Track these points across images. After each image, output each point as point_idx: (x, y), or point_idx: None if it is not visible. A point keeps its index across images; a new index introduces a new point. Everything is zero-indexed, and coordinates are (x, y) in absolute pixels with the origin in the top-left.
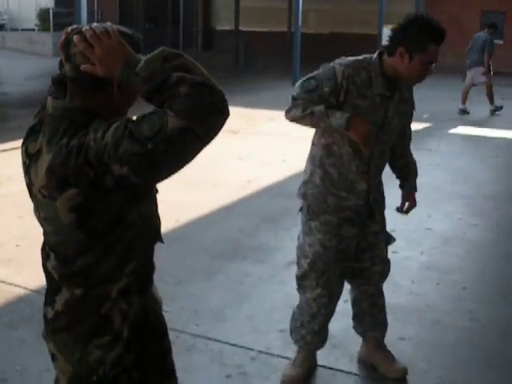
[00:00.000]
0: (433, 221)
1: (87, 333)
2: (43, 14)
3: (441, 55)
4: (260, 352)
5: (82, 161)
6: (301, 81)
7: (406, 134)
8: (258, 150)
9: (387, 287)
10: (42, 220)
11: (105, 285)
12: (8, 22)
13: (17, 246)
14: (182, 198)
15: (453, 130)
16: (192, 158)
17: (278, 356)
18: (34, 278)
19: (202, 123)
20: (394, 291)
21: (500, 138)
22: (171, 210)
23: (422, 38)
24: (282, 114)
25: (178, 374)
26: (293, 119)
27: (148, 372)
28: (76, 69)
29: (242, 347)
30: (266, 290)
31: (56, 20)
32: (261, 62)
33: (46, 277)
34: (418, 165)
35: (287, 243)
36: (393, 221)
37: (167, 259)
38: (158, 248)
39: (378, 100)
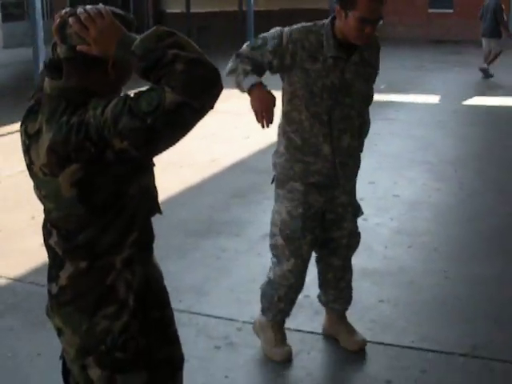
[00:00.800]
0: (399, 187)
1: (93, 304)
2: None
3: (391, 26)
4: (244, 322)
5: (82, 137)
6: (250, 46)
7: (368, 96)
8: (220, 129)
9: (362, 253)
10: (43, 198)
11: (108, 256)
12: None
13: None
14: None
15: (410, 99)
16: (189, 131)
17: None
18: (13, 267)
19: (199, 97)
20: (369, 256)
21: (453, 104)
22: None
23: None
24: (238, 92)
25: None
26: (226, 74)
27: (153, 339)
28: (72, 49)
29: (226, 319)
30: (243, 263)
31: (5, 11)
32: (214, 42)
33: (49, 253)
34: (379, 134)
35: (260, 216)
36: (361, 189)
37: None
38: None
39: (331, 62)
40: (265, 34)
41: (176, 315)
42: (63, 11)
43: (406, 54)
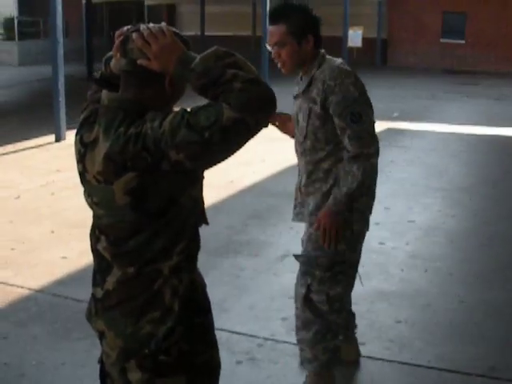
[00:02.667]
0: (414, 213)
1: (139, 309)
2: (8, 23)
3: (404, 55)
4: (266, 339)
5: (140, 147)
6: None
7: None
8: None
9: (379, 276)
10: (94, 204)
11: (157, 263)
12: None
13: (12, 249)
14: None
15: (423, 127)
16: (242, 146)
17: (283, 342)
18: (36, 278)
19: (254, 115)
20: (386, 279)
21: (467, 133)
22: None
23: None
24: None
25: None
26: None
27: (195, 344)
28: (131, 63)
29: (247, 335)
30: (262, 282)
31: (21, 29)
32: None
33: (95, 259)
34: (393, 162)
35: (276, 238)
36: (377, 214)
37: None
38: None
39: (293, 96)
40: None
41: None
42: (125, 28)
43: (418, 83)
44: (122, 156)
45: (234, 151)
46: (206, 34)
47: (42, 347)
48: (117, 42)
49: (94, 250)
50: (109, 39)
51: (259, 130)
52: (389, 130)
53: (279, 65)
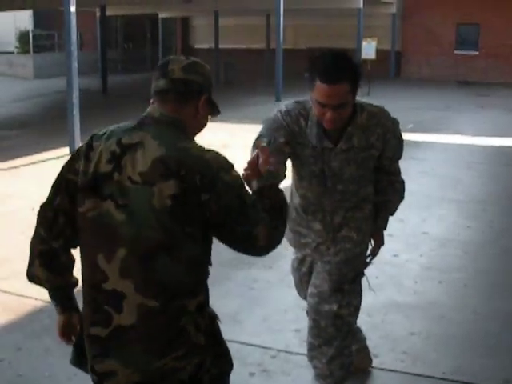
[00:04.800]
0: (428, 225)
1: (164, 346)
2: (23, 37)
3: (417, 67)
4: (279, 351)
5: (198, 170)
6: (253, 143)
7: (382, 172)
8: None
9: (392, 287)
10: (117, 208)
11: (184, 299)
12: None
13: (24, 260)
14: None
15: (437, 139)
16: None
17: (296, 354)
18: None
19: (269, 249)
20: (399, 291)
21: (482, 145)
22: None
23: (311, 74)
24: None
25: None
26: None
27: (223, 366)
28: (171, 82)
29: (260, 347)
30: (276, 294)
31: (36, 42)
32: (240, 78)
33: (91, 294)
34: (407, 174)
35: (290, 250)
36: (390, 226)
37: None
38: None
39: (319, 149)
40: (263, 130)
41: None
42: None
43: (432, 95)
44: (179, 165)
45: (238, 250)
46: (220, 46)
47: (54, 359)
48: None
49: (92, 286)
50: (122, 51)
51: (266, 253)
52: (404, 142)
53: (331, 124)
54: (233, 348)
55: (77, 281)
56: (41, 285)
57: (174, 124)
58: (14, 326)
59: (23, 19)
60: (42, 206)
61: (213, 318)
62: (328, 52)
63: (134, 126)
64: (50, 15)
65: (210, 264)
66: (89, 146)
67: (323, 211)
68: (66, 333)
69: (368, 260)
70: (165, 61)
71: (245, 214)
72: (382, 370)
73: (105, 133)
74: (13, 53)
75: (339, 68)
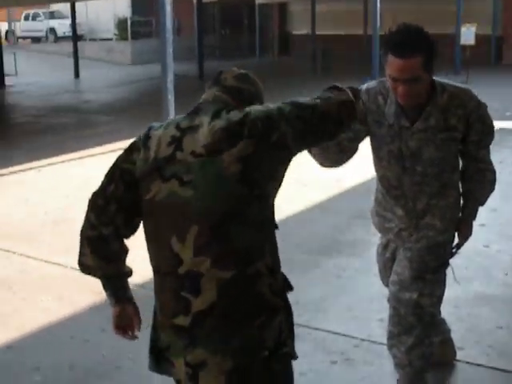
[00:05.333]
0: None
1: (246, 316)
2: (121, 24)
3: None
4: (362, 340)
5: (254, 117)
6: None
7: (468, 158)
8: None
9: (481, 279)
10: (182, 185)
11: (255, 262)
12: (87, 32)
13: None
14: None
15: None
16: (333, 137)
17: (379, 343)
18: (137, 274)
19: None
20: (488, 282)
21: None
22: None
23: (385, 48)
24: None
25: None
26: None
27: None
28: (223, 88)
29: (344, 335)
30: (363, 282)
31: (134, 29)
32: (337, 65)
33: (175, 282)
34: (502, 163)
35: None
36: (483, 216)
37: None
38: None
39: (397, 128)
40: None
41: (295, 329)
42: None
43: None
44: (240, 125)
45: (323, 140)
46: (316, 32)
47: (137, 341)
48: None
49: (167, 273)
50: (220, 38)
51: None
52: (501, 130)
53: (404, 99)
54: (316, 336)
55: (131, 271)
56: (93, 274)
57: (226, 103)
58: (101, 307)
59: (122, 7)
60: (93, 194)
61: (284, 279)
62: (402, 26)
63: (193, 113)
64: (147, 2)
65: (277, 227)
66: (146, 136)
67: (405, 197)
68: (121, 326)
69: (454, 250)
70: (217, 72)
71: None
72: (467, 363)
73: (161, 125)
74: (111, 39)
75: (412, 42)
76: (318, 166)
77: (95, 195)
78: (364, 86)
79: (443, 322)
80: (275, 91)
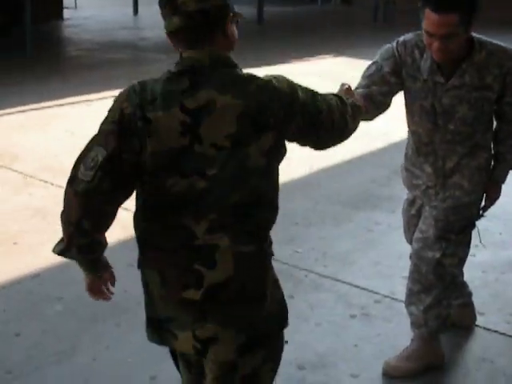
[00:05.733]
0: None
1: (260, 291)
2: None
3: None
4: (384, 296)
5: (279, 103)
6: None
7: (502, 120)
8: (395, 103)
9: None
10: (207, 179)
11: (268, 237)
12: None
13: None
14: None
15: None
16: (329, 144)
17: (401, 301)
18: None
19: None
20: None
21: None
22: (306, 157)
23: (422, 2)
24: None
25: (304, 309)
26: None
27: None
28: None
29: (367, 290)
30: (393, 239)
31: None
32: (399, 17)
33: (187, 253)
34: None
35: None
36: None
37: (300, 203)
38: (292, 192)
39: (431, 84)
40: (375, 58)
41: (319, 279)
42: None
43: None
44: (265, 112)
45: (331, 141)
46: None
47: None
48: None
49: (179, 246)
50: None
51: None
52: None
53: (438, 54)
54: (339, 288)
55: (106, 243)
56: (69, 258)
57: (226, 63)
58: (130, 243)
59: None
60: (84, 193)
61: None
62: None
63: (188, 81)
64: None
65: None
66: (145, 120)
67: (435, 154)
68: (95, 290)
69: (480, 212)
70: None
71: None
72: (486, 329)
73: (154, 98)
74: None
75: None
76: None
77: (87, 194)
78: (401, 38)
79: (465, 284)
80: (334, 41)
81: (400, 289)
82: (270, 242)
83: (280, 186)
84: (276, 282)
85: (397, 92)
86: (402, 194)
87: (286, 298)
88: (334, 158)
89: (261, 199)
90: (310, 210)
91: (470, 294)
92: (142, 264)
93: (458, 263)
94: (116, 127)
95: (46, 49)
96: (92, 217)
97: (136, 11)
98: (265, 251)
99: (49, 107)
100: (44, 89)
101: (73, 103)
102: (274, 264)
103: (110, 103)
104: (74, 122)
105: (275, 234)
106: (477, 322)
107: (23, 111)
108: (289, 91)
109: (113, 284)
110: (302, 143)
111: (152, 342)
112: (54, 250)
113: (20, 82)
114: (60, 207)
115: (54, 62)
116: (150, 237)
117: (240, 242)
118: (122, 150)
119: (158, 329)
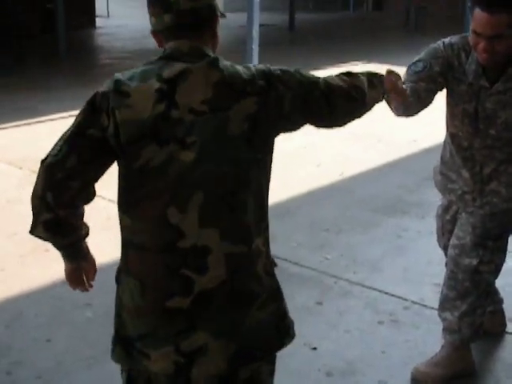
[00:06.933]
0: None
1: (249, 296)
2: None
3: None
4: (413, 302)
5: (253, 72)
6: (408, 66)
7: None
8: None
9: None
10: (187, 147)
11: (257, 238)
12: None
13: None
14: (346, 151)
15: None
16: (332, 123)
17: (430, 308)
18: None
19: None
20: None
21: None
22: (337, 163)
23: (472, 2)
24: None
25: (333, 316)
26: None
27: None
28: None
29: (395, 296)
30: (423, 245)
31: None
32: (430, 24)
33: (172, 257)
34: None
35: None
36: None
37: (329, 210)
38: (322, 198)
39: (476, 88)
40: (421, 56)
41: (348, 286)
42: None
43: None
44: (242, 82)
45: (328, 119)
46: None
47: None
48: None
49: (162, 249)
50: None
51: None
52: None
53: (484, 56)
54: (368, 294)
55: (87, 232)
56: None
57: (204, 54)
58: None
59: None
60: (48, 166)
61: (272, 260)
62: None
63: (165, 62)
64: None
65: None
66: (119, 93)
67: (474, 160)
68: (74, 280)
69: None
70: None
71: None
72: None
73: (131, 77)
74: None
75: None
76: (395, 124)
77: (51, 168)
78: (447, 40)
79: (497, 291)
80: (365, 47)
81: (429, 295)
82: (265, 246)
83: (309, 192)
84: (270, 290)
85: (438, 92)
86: (432, 200)
87: (314, 304)
88: (365, 164)
89: (248, 181)
90: (339, 216)
91: (501, 301)
92: (120, 273)
93: (494, 270)
94: (88, 106)
95: (78, 56)
96: (55, 189)
97: None
98: (254, 253)
99: (71, 116)
100: (75, 96)
101: None
102: (304, 270)
103: None
104: None
105: (305, 240)
106: (507, 329)
107: (52, 119)
108: (264, 67)
109: (93, 275)
110: (312, 122)
111: (117, 363)
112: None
113: (49, 89)
114: (91, 214)
115: (86, 70)
116: (131, 235)
117: (232, 240)
118: (89, 126)
119: (126, 348)
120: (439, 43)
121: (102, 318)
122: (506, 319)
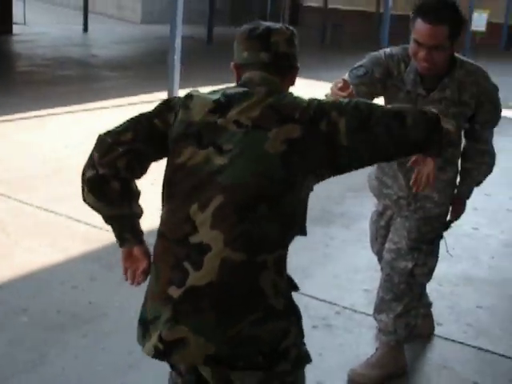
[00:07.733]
0: None
1: (240, 307)
2: None
3: None
4: (344, 308)
5: (306, 104)
6: (349, 70)
7: (472, 138)
8: None
9: (468, 260)
10: (223, 153)
11: (268, 253)
12: None
13: None
14: None
15: None
16: (374, 160)
17: (361, 313)
18: None
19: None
20: (474, 265)
21: None
22: None
23: (415, 14)
24: None
25: None
26: None
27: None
28: (274, 55)
29: (327, 302)
30: (350, 253)
31: None
32: (347, 41)
33: (181, 249)
34: (502, 150)
35: (369, 210)
36: (476, 200)
37: None
38: None
39: (413, 96)
40: (363, 62)
41: None
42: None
43: None
44: (291, 108)
45: (374, 155)
46: (329, 6)
47: (126, 292)
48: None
49: (177, 240)
50: (231, 3)
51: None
52: (503, 119)
53: (423, 64)
54: (300, 300)
55: (138, 213)
56: (97, 212)
57: (276, 86)
58: (91, 256)
59: None
60: (106, 133)
61: (290, 282)
62: None
63: (235, 86)
64: None
65: (305, 233)
66: (187, 97)
67: (406, 166)
68: (127, 266)
69: (449, 224)
70: (264, 30)
71: (374, 108)
72: (445, 339)
73: (208, 92)
74: None
75: (441, 10)
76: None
77: (105, 135)
78: (388, 50)
79: (426, 295)
80: None
81: (360, 301)
82: (276, 263)
83: None
84: (274, 311)
85: (376, 97)
86: (356, 210)
87: None
88: None
89: (272, 199)
90: None
91: (430, 305)
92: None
93: (428, 273)
94: (164, 102)
95: None
96: (101, 150)
97: (86, 29)
98: (257, 265)
99: (1, 121)
100: None
101: (25, 118)
102: None
103: (61, 120)
104: (27, 136)
105: None
106: (435, 332)
107: None
108: (320, 100)
109: (142, 269)
110: (362, 154)
111: (140, 344)
112: None
113: None
114: (19, 220)
115: (4, 77)
116: (163, 225)
117: (232, 246)
118: (157, 117)
119: (143, 330)
120: (380, 52)
121: (38, 322)
122: (435, 322)
